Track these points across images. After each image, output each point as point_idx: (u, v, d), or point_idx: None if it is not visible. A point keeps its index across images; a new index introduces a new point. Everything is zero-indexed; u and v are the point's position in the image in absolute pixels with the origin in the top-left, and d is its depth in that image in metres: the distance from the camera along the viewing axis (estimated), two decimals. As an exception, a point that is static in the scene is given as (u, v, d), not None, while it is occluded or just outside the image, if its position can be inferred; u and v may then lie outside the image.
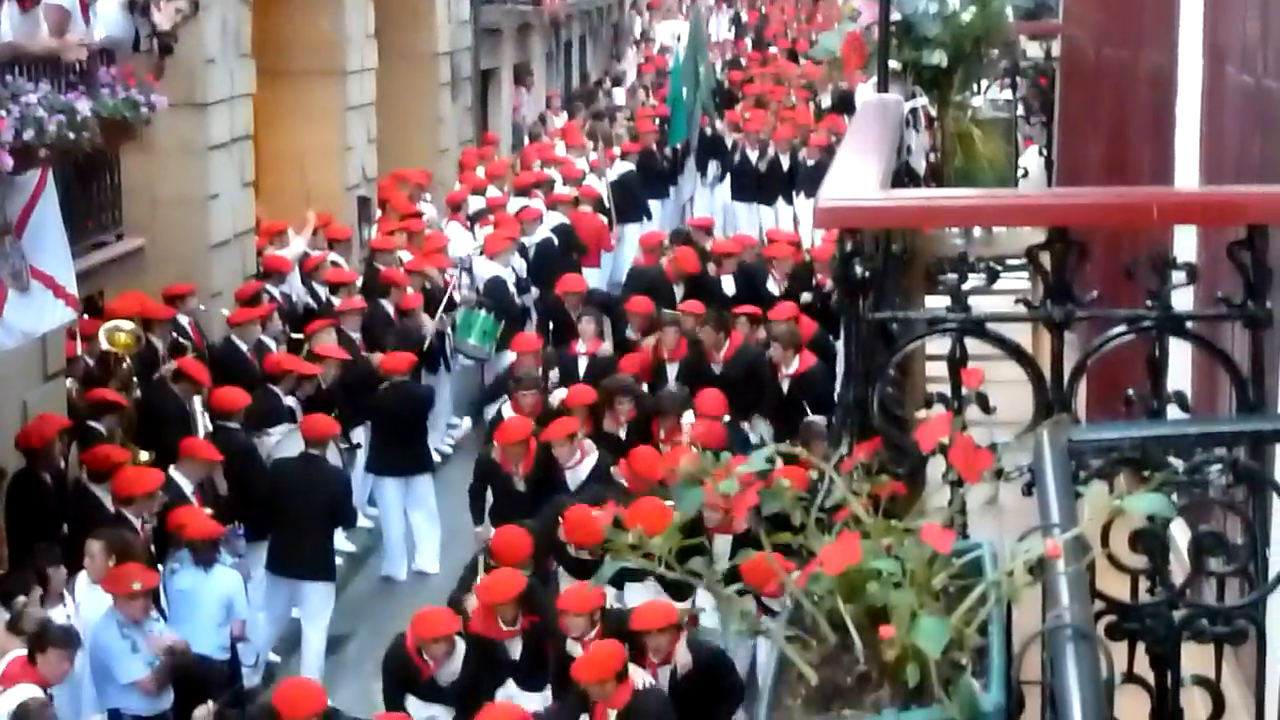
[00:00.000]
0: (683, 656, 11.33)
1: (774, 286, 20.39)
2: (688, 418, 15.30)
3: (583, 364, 18.05)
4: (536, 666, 12.15)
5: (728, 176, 28.83)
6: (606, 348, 18.31)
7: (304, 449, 15.15)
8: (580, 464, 14.73)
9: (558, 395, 16.36)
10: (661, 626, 11.22)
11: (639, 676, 10.96)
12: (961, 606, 3.54)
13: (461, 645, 12.06)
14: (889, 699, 3.46)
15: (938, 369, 9.91)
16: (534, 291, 21.54)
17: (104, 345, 15.48)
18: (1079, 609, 3.43)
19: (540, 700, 12.26)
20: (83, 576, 12.46)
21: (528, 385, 16.24)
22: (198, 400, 15.52)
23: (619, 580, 12.51)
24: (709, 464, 3.66)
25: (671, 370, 17.68)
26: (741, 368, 17.38)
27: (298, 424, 15.75)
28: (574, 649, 11.53)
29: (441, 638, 11.90)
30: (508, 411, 16.22)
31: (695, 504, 3.68)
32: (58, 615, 11.88)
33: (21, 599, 11.86)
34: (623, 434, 15.59)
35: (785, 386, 17.01)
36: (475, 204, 23.84)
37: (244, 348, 17.03)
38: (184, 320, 17.16)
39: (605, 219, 24.97)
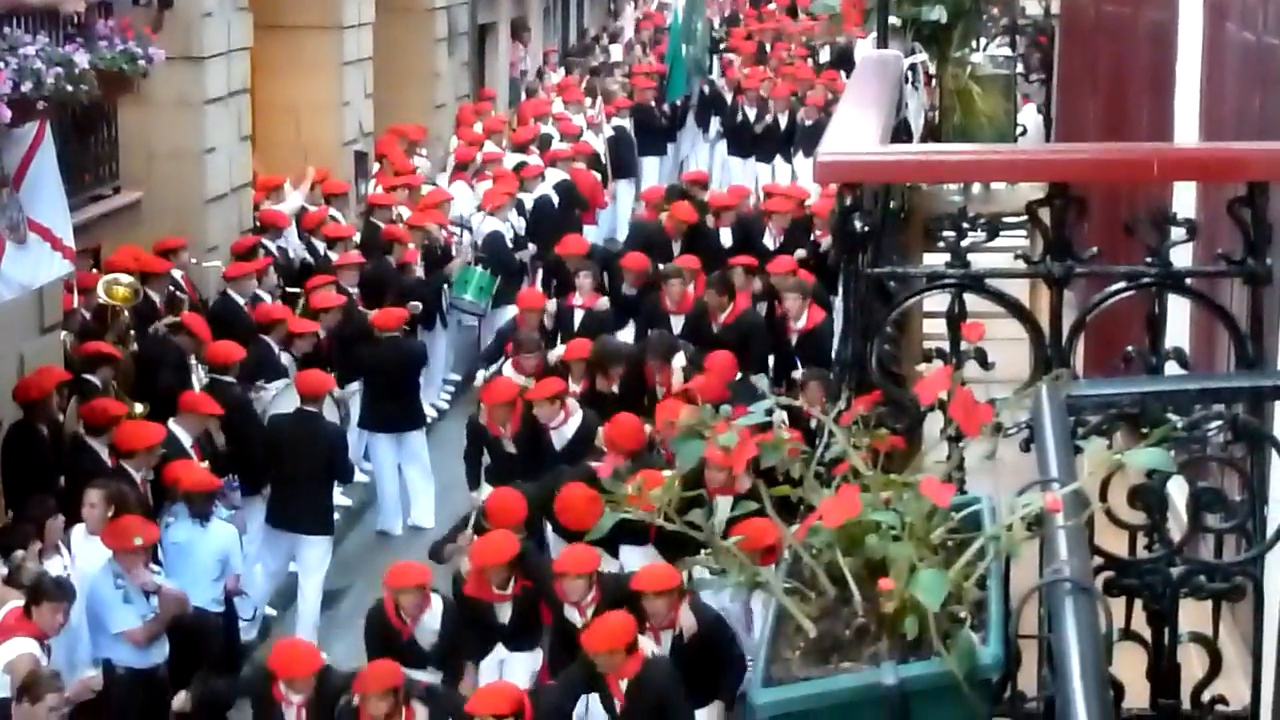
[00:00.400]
0: (687, 619, 11.24)
1: (770, 240, 20.36)
2: (678, 360, 15.27)
3: (578, 317, 18.02)
4: (526, 630, 12.09)
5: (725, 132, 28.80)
6: (604, 302, 18.24)
7: (299, 405, 15.13)
8: (565, 424, 14.59)
9: (555, 353, 16.31)
10: (662, 590, 11.11)
11: (647, 645, 10.88)
12: (960, 560, 3.55)
13: (437, 601, 11.93)
14: (887, 652, 3.46)
15: (935, 326, 9.92)
16: (531, 247, 21.50)
17: (101, 298, 15.45)
18: (1078, 563, 3.43)
19: (529, 660, 12.26)
20: (80, 528, 12.45)
21: (529, 348, 16.17)
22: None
23: (615, 545, 12.47)
24: (709, 417, 3.66)
25: (677, 323, 17.66)
26: (742, 331, 17.32)
27: (293, 379, 15.74)
28: (571, 614, 11.46)
29: (412, 588, 11.74)
30: (509, 372, 16.16)
31: (695, 456, 3.68)
32: (55, 567, 11.89)
33: (20, 553, 11.87)
34: (615, 389, 15.55)
35: (794, 340, 17.05)
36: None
37: (240, 302, 17.00)
38: (176, 274, 17.12)
39: (601, 175, 24.94)
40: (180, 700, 11.60)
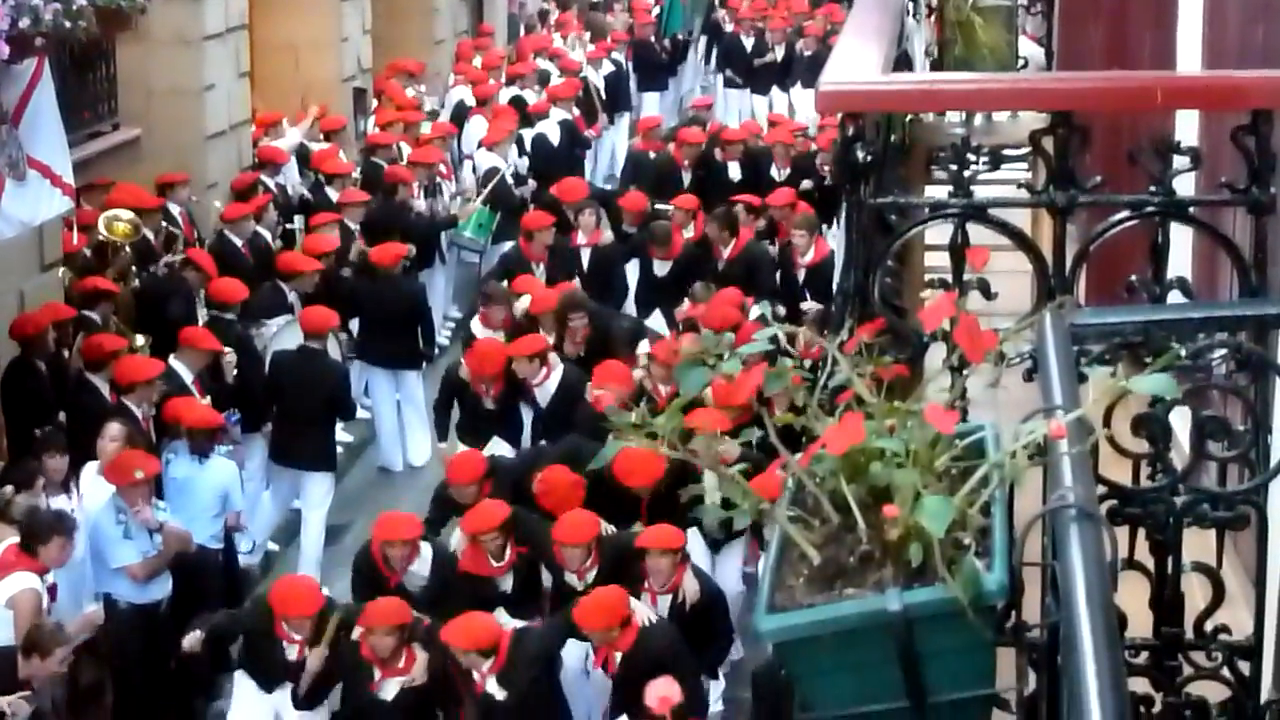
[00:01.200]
0: (690, 585, 11.21)
1: (777, 173, 20.32)
2: (643, 347, 14.93)
3: (585, 255, 17.93)
4: (529, 597, 11.96)
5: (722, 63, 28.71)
6: (608, 236, 18.19)
7: (302, 342, 15.11)
8: (547, 380, 14.41)
9: (521, 305, 15.97)
10: (667, 549, 11.12)
11: (643, 613, 10.80)
12: (965, 487, 3.54)
13: (426, 549, 11.84)
14: (891, 578, 3.46)
15: (936, 259, 9.91)
16: (531, 184, 21.45)
17: (102, 234, 15.42)
18: (1082, 490, 3.43)
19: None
20: (91, 465, 12.43)
21: (496, 300, 16.00)
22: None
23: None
24: (712, 345, 3.65)
25: (661, 267, 17.66)
26: (747, 264, 17.33)
27: (294, 316, 15.73)
28: (571, 579, 11.40)
29: (399, 542, 11.66)
30: (477, 326, 16.01)
31: (699, 385, 3.67)
32: (60, 504, 11.89)
33: (8, 489, 11.86)
34: (581, 354, 15.17)
35: (801, 276, 17.06)
36: (465, 95, 23.74)
37: (238, 242, 16.96)
38: (175, 210, 17.08)
39: (599, 111, 24.87)
40: (190, 641, 11.59)
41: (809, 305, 15.35)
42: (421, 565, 11.79)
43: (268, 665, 11.38)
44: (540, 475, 12.29)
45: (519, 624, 11.19)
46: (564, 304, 15.42)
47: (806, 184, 19.50)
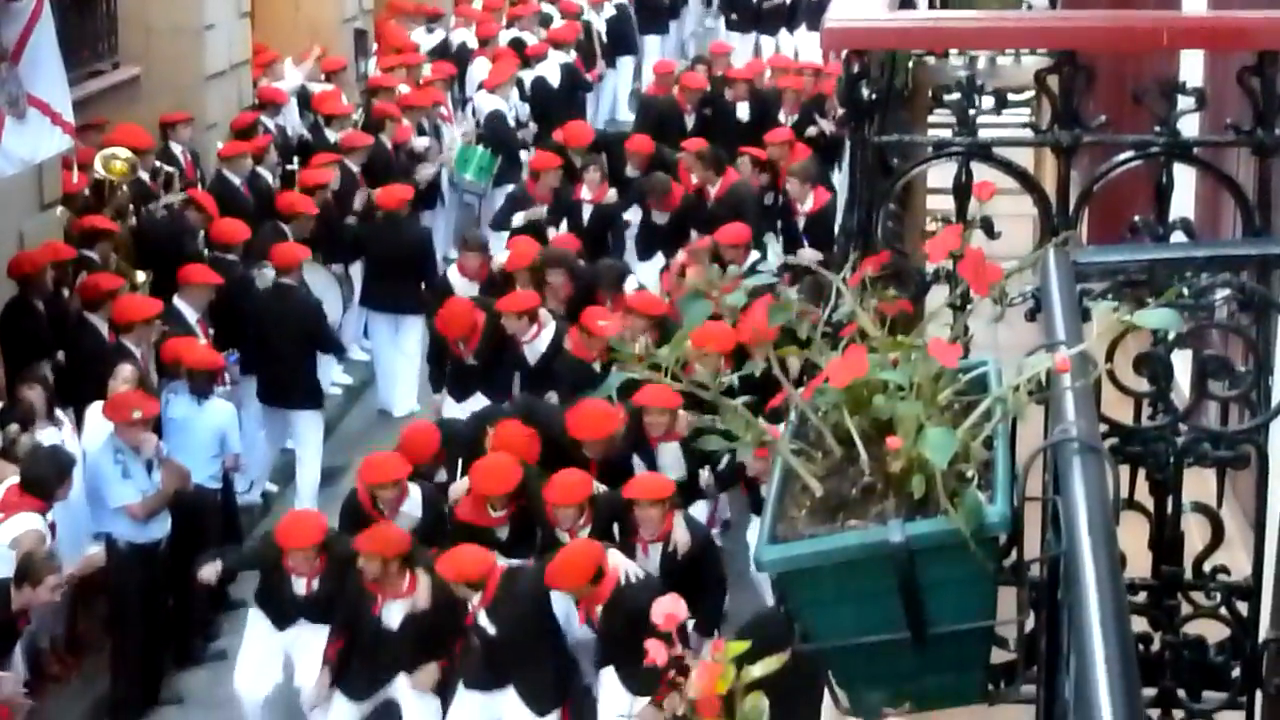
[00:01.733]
0: (681, 535, 11.16)
1: (785, 117, 20.25)
2: (631, 284, 14.94)
3: (587, 211, 17.83)
4: (523, 542, 11.88)
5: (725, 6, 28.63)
6: (612, 194, 18.05)
7: (275, 278, 15.05)
8: (537, 338, 14.21)
9: (498, 260, 15.81)
10: (654, 498, 11.09)
11: (623, 568, 10.75)
12: (967, 420, 3.54)
13: (415, 490, 11.85)
14: (894, 510, 3.46)
15: (938, 203, 9.89)
16: (533, 127, 21.38)
17: (99, 172, 15.39)
18: (1085, 423, 3.42)
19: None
20: (96, 406, 12.42)
21: (473, 246, 15.90)
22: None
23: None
24: (715, 277, 3.64)
25: (661, 219, 17.68)
26: (733, 204, 17.29)
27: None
28: (563, 536, 11.37)
29: (389, 484, 11.65)
30: (454, 274, 15.88)
31: (702, 317, 3.66)
32: (46, 436, 11.91)
33: (14, 427, 11.88)
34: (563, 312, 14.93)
35: (801, 224, 16.98)
36: (467, 37, 23.66)
37: (236, 181, 16.92)
38: (178, 150, 17.05)
39: (598, 55, 24.80)
40: (208, 571, 11.63)
41: (806, 251, 15.21)
42: (412, 506, 11.78)
43: (279, 601, 11.42)
44: (494, 431, 12.23)
45: (515, 562, 11.20)
46: (543, 260, 15.24)
47: (815, 128, 19.40)
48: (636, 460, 12.32)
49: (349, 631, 11.08)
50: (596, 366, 13.14)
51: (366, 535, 10.83)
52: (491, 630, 10.67)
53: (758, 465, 11.44)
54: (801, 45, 26.28)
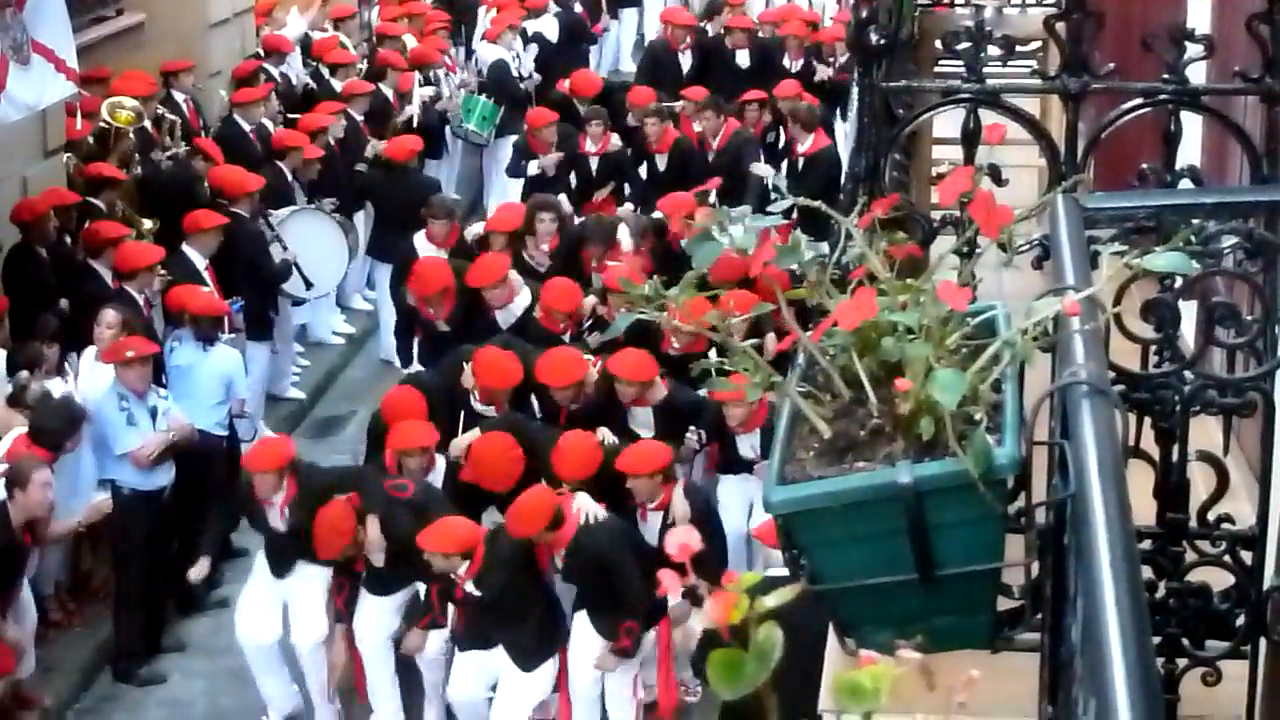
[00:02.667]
0: (680, 507, 11.02)
1: (789, 63, 20.22)
2: (624, 232, 14.78)
3: (594, 164, 17.80)
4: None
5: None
6: (616, 142, 17.97)
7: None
8: (511, 302, 13.92)
9: (473, 230, 15.68)
10: (649, 471, 10.99)
11: (585, 510, 10.70)
12: (976, 363, 3.53)
13: (441, 461, 11.85)
14: (902, 452, 3.46)
15: (943, 152, 9.85)
16: (536, 77, 21.30)
17: (105, 120, 15.36)
18: (1094, 366, 3.42)
19: None
20: (90, 351, 12.44)
21: (440, 214, 15.58)
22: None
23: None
24: (724, 218, 3.63)
25: (661, 161, 17.61)
26: (733, 153, 17.36)
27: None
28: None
29: (417, 450, 11.58)
30: (420, 241, 15.51)
31: (711, 258, 3.65)
32: (54, 386, 11.92)
33: (24, 374, 11.88)
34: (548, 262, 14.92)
35: (800, 165, 17.00)
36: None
37: (246, 127, 16.89)
38: (180, 98, 17.01)
39: (602, 6, 24.70)
40: (197, 570, 11.74)
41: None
42: (436, 476, 11.82)
43: (267, 539, 11.43)
44: (475, 358, 12.30)
45: (498, 519, 11.17)
46: (533, 206, 15.21)
47: (822, 73, 19.41)
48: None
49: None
50: (566, 339, 13.11)
51: (431, 533, 10.68)
52: (479, 595, 10.68)
53: (738, 414, 11.49)
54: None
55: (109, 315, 12.43)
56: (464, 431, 12.04)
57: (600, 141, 17.81)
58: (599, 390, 12.16)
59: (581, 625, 10.87)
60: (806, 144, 17.00)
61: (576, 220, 15.91)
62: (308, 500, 11.11)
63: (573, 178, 17.60)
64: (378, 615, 11.33)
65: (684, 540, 2.17)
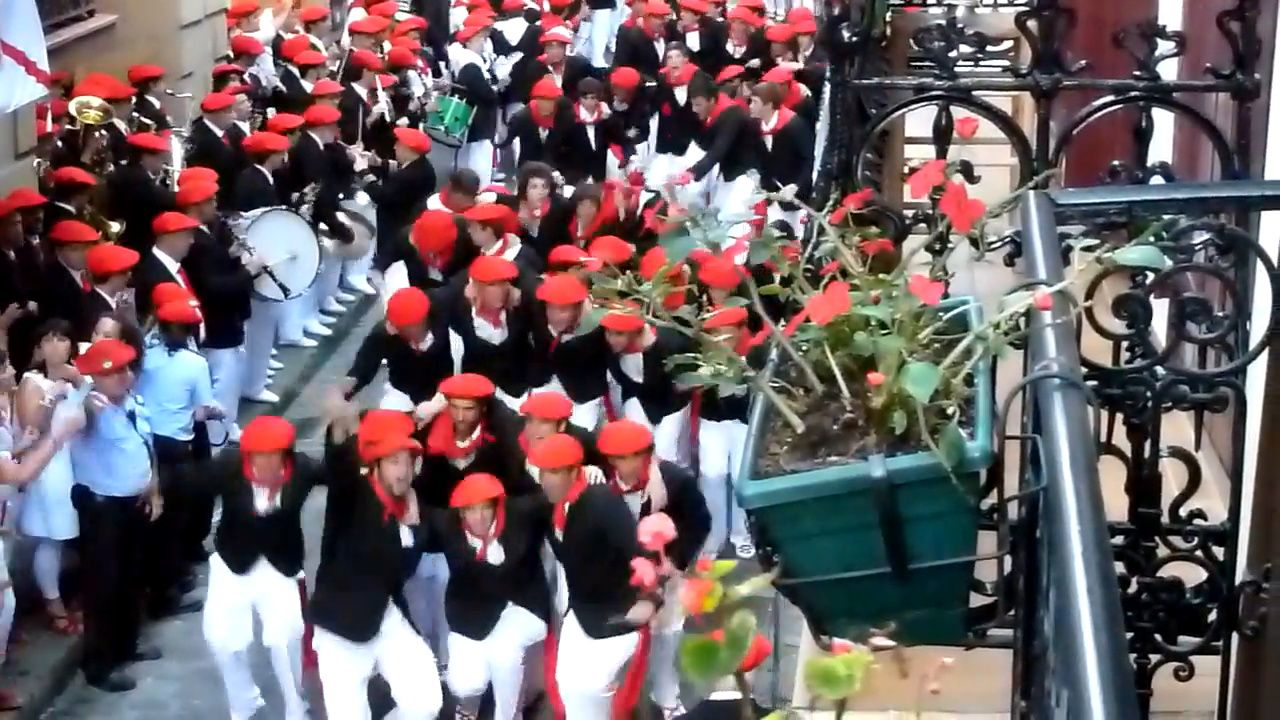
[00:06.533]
0: (657, 491, 11.08)
1: (732, 49, 20.56)
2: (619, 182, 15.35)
3: (591, 132, 18.41)
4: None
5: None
6: (607, 110, 18.67)
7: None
8: (504, 253, 14.15)
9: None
10: (632, 451, 11.00)
11: (592, 472, 10.79)
12: (949, 357, 3.54)
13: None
14: (875, 446, 3.46)
15: (915, 151, 9.86)
16: (507, 78, 21.32)
17: (74, 115, 15.30)
18: (1066, 359, 3.42)
19: None
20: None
21: (467, 182, 15.92)
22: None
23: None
24: (697, 214, 3.63)
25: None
26: (727, 129, 17.86)
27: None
28: (532, 470, 11.28)
29: (473, 400, 11.52)
30: (434, 202, 15.90)
31: (684, 253, 3.65)
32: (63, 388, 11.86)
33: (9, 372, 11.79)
34: (535, 231, 15.21)
35: (769, 144, 17.37)
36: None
37: (218, 131, 16.84)
38: (156, 103, 16.96)
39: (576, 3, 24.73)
40: (156, 507, 11.79)
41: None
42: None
43: (239, 524, 11.34)
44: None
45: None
46: (525, 172, 15.66)
47: (754, 63, 19.72)
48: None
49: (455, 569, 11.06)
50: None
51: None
52: (500, 559, 10.77)
53: (620, 340, 12.04)
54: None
55: (106, 324, 12.37)
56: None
57: (595, 111, 18.46)
58: (590, 342, 12.36)
59: (571, 631, 10.90)
60: (771, 122, 17.36)
61: (569, 189, 16.12)
62: (302, 486, 11.12)
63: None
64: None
65: (657, 528, 2.17)
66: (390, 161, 17.47)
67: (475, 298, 12.97)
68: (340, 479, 10.88)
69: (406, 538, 10.80)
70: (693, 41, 20.97)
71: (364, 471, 10.70)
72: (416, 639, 11.06)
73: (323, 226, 16.36)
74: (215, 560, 11.52)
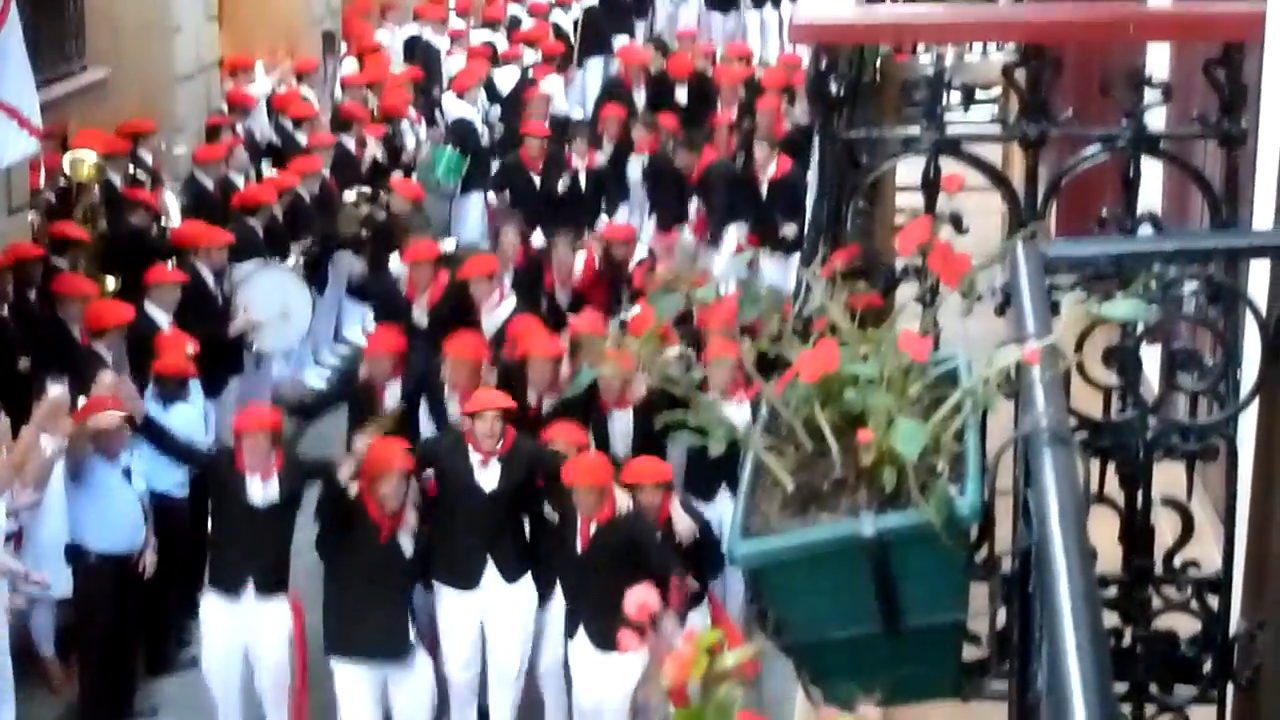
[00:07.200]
0: (683, 524, 11.11)
1: (720, 107, 20.67)
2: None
3: (582, 177, 18.58)
4: None
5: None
6: (600, 158, 18.81)
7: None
8: (498, 306, 14.09)
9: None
10: (653, 482, 11.05)
11: (623, 499, 10.86)
12: (938, 413, 3.54)
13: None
14: (865, 503, 3.46)
15: (906, 199, 9.86)
16: (500, 128, 21.35)
17: (66, 173, 15.31)
18: (1055, 414, 3.42)
19: None
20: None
21: (509, 219, 16.25)
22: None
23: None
24: (686, 270, 3.64)
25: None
26: (716, 180, 17.87)
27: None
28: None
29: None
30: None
31: (672, 310, 3.65)
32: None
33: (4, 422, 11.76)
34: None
35: (764, 191, 17.25)
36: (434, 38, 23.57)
37: (209, 184, 16.86)
38: (147, 157, 16.98)
39: (569, 53, 24.77)
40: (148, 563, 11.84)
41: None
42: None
43: (231, 513, 11.37)
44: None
45: None
46: (497, 219, 16.33)
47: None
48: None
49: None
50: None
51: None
52: (493, 485, 11.04)
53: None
54: (769, 23, 26.61)
55: (106, 377, 12.35)
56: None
57: (586, 156, 18.59)
58: (579, 401, 12.14)
59: (582, 647, 10.96)
60: (770, 169, 17.25)
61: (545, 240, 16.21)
62: (295, 473, 11.18)
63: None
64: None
65: (642, 600, 2.17)
66: (382, 193, 17.53)
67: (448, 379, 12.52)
68: (335, 500, 11.04)
69: (408, 548, 11.01)
70: (681, 95, 21.06)
71: (354, 493, 10.81)
72: (426, 662, 11.24)
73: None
74: (206, 602, 11.53)
